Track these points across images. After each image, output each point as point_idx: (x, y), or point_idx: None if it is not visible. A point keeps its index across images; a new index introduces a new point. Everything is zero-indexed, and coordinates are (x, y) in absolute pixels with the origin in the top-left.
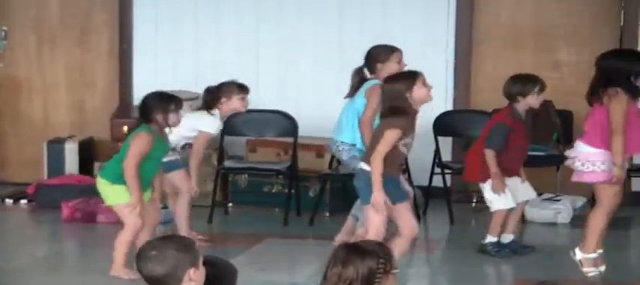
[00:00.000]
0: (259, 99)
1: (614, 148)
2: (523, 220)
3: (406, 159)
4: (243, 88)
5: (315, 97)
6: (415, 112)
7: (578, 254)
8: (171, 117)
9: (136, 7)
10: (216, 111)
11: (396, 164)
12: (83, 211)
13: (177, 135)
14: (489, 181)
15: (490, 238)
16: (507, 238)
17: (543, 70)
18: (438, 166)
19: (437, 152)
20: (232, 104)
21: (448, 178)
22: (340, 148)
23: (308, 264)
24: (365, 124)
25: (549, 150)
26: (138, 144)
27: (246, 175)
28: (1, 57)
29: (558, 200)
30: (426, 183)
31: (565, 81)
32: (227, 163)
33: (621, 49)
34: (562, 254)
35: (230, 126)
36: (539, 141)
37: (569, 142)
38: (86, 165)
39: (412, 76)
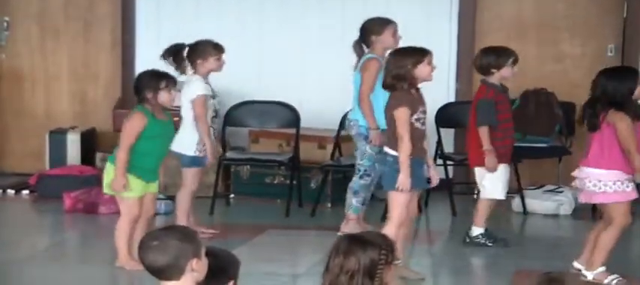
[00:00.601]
0: (261, 90)
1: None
2: (525, 211)
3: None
4: (218, 48)
5: (317, 88)
6: (414, 87)
7: (590, 275)
8: (162, 94)
9: None
10: (194, 75)
11: (416, 144)
12: (85, 202)
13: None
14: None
15: (478, 230)
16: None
17: (546, 62)
18: (439, 157)
19: (439, 143)
20: (209, 65)
21: (450, 169)
22: (351, 124)
23: (310, 255)
24: (363, 100)
25: (551, 141)
26: (128, 125)
27: (248, 166)
28: (4, 48)
29: (560, 192)
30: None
31: (568, 73)
32: (229, 154)
33: (617, 69)
34: (564, 246)
35: (232, 117)
36: (541, 132)
37: (571, 134)
38: (88, 156)
39: (422, 53)
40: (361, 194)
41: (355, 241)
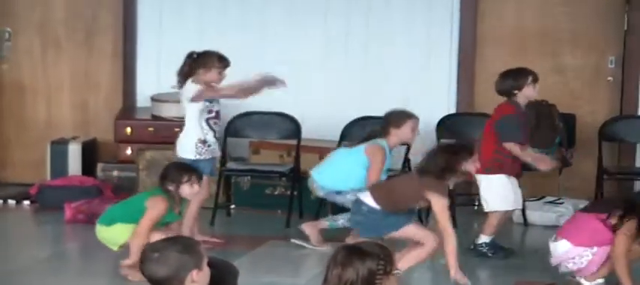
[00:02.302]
0: (262, 101)
1: (621, 272)
2: (525, 223)
3: (409, 161)
4: (223, 61)
5: (318, 99)
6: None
7: (586, 283)
8: (184, 188)
9: (139, 9)
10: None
11: (402, 209)
12: (86, 213)
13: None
14: (486, 177)
15: (484, 238)
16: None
17: (547, 73)
18: None
19: None
20: (210, 75)
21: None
22: (314, 186)
23: (310, 266)
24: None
25: (552, 153)
26: (155, 211)
27: (249, 177)
28: (6, 59)
29: (561, 203)
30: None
31: (569, 84)
32: (230, 165)
33: None
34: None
35: (233, 128)
36: (542, 144)
37: (572, 146)
38: (89, 166)
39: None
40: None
41: (353, 252)
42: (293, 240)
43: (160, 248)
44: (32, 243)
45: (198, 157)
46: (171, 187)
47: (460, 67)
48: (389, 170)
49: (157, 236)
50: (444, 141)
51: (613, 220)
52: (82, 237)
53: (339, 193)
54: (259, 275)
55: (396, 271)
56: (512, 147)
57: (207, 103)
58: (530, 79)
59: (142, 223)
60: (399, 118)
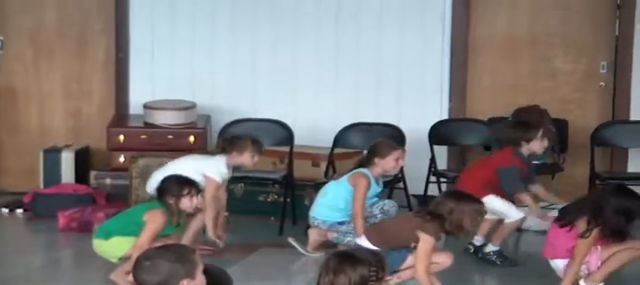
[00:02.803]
0: (255, 108)
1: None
2: (520, 228)
3: (402, 168)
4: (257, 145)
5: (310, 106)
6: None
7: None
8: (184, 201)
9: (132, 17)
10: (223, 158)
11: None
12: (79, 221)
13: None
14: (494, 197)
15: (492, 247)
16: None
17: (539, 78)
18: (433, 174)
19: (432, 161)
20: (243, 159)
21: (444, 186)
22: (316, 223)
23: (304, 273)
24: (357, 218)
25: (544, 159)
26: (155, 225)
27: (242, 184)
28: None
29: (554, 209)
30: (421, 191)
31: (561, 89)
32: None
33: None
34: None
35: (226, 135)
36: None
37: (564, 151)
38: (82, 174)
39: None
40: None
41: (345, 259)
42: (289, 239)
43: (151, 256)
44: (26, 251)
45: None
46: (171, 201)
47: (452, 73)
48: (376, 196)
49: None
50: (456, 190)
51: (579, 229)
52: (75, 245)
53: (341, 223)
54: (253, 282)
55: (388, 278)
56: (523, 197)
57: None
58: (540, 133)
59: (142, 237)
60: (384, 148)
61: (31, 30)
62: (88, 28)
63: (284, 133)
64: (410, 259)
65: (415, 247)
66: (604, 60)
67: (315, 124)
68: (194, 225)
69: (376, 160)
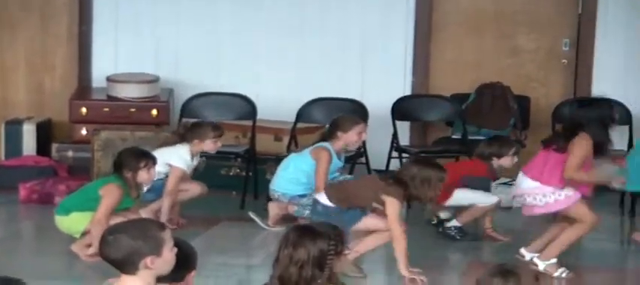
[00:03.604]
0: (218, 82)
1: (585, 178)
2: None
3: (364, 143)
4: (217, 130)
5: (273, 80)
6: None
7: (542, 264)
8: (141, 174)
9: None
10: (185, 146)
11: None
12: (40, 193)
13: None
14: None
15: (455, 222)
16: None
17: (502, 55)
18: (395, 150)
19: (395, 136)
20: (205, 146)
21: (405, 162)
22: (277, 196)
23: (264, 246)
24: (319, 190)
25: (507, 135)
26: (110, 199)
27: (204, 158)
28: None
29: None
30: (383, 167)
31: (524, 67)
32: None
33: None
34: (517, 238)
35: (189, 109)
36: (496, 126)
37: (526, 128)
38: (44, 146)
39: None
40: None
41: (305, 232)
42: (250, 213)
43: (115, 231)
44: None
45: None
46: (128, 175)
47: (416, 49)
48: (338, 171)
49: (115, 218)
50: (422, 156)
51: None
52: (36, 217)
53: (302, 196)
54: (213, 256)
55: (346, 252)
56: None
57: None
58: (512, 151)
59: (98, 212)
60: (346, 122)
61: None
62: (51, 2)
63: (247, 107)
64: (365, 222)
65: (373, 210)
66: (566, 37)
67: (278, 99)
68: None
69: (339, 134)
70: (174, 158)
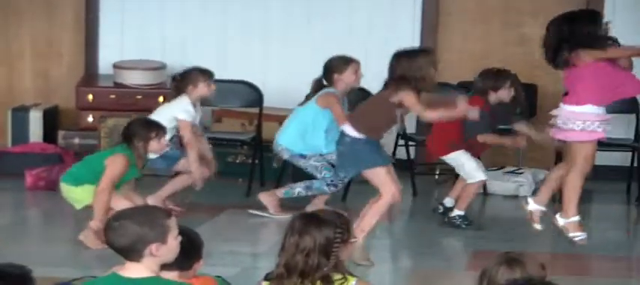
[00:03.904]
0: (225, 69)
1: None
2: (485, 192)
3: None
4: (206, 73)
5: (280, 67)
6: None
7: (561, 220)
8: (152, 144)
9: None
10: (183, 97)
11: (383, 131)
12: (47, 180)
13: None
14: (457, 153)
15: (458, 211)
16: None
17: (510, 43)
18: (401, 137)
19: (401, 124)
20: (199, 91)
21: (411, 150)
22: (280, 150)
23: (270, 234)
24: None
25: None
26: (114, 168)
27: (211, 145)
28: None
29: (520, 173)
30: (390, 154)
31: (531, 55)
32: None
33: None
34: (524, 226)
35: None
36: (503, 120)
37: (533, 116)
38: (50, 133)
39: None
40: (311, 193)
41: (311, 220)
42: (251, 211)
43: (121, 217)
44: None
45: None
46: (139, 144)
47: (423, 37)
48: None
49: (120, 203)
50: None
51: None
52: (42, 204)
53: (303, 156)
54: (219, 243)
55: (353, 240)
56: (486, 137)
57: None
58: (508, 83)
59: (102, 181)
60: (339, 63)
61: None
62: None
63: (253, 94)
64: (381, 173)
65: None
66: None
67: (284, 86)
68: (175, 182)
69: (335, 76)
70: (178, 111)
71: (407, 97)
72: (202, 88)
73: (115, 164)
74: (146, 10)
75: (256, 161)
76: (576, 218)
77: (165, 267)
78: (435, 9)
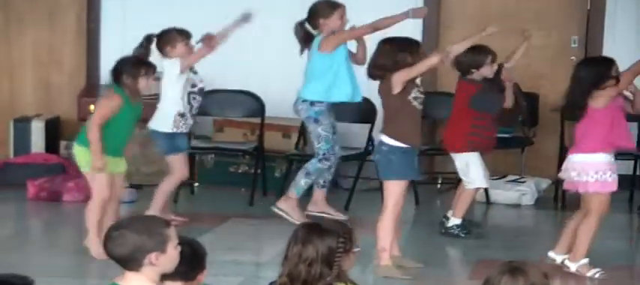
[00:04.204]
0: (226, 79)
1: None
2: (488, 201)
3: (372, 140)
4: (184, 33)
5: (281, 77)
6: None
7: (573, 265)
8: (141, 81)
9: None
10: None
11: (412, 130)
12: (49, 190)
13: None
14: (470, 154)
15: (455, 221)
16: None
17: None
18: None
19: None
20: (178, 51)
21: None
22: (299, 108)
23: (273, 244)
24: (360, 31)
25: (514, 132)
26: (104, 103)
27: (213, 155)
28: None
29: (523, 182)
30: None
31: (532, 64)
32: (194, 143)
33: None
34: (526, 235)
35: None
36: (504, 123)
37: (534, 125)
38: (52, 144)
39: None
40: (312, 176)
41: (314, 230)
42: (275, 209)
43: (120, 226)
44: None
45: (175, 130)
46: (128, 81)
47: (424, 46)
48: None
49: (103, 184)
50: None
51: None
52: (44, 214)
53: (316, 120)
54: (222, 253)
55: (355, 249)
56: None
57: (192, 75)
58: (489, 58)
59: (95, 115)
60: (325, 8)
61: None
62: None
63: (255, 104)
64: (394, 187)
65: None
66: (575, 35)
67: (285, 95)
68: (163, 188)
69: (321, 21)
70: (173, 69)
71: (398, 75)
72: (181, 48)
73: (105, 99)
74: (148, 20)
75: (258, 171)
76: (586, 260)
77: (169, 278)
78: (436, 18)
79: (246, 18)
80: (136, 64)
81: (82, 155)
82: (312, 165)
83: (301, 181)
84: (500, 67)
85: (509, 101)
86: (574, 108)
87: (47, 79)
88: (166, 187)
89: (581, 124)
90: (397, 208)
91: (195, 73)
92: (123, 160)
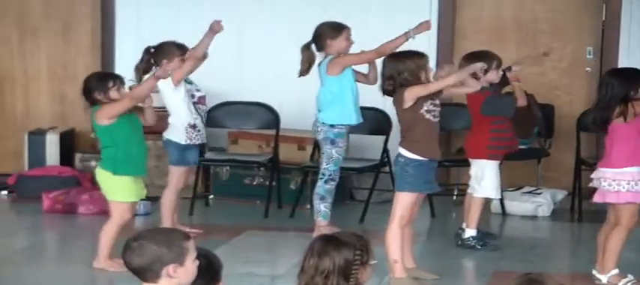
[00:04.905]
0: (241, 91)
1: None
2: (504, 213)
3: (388, 152)
4: (181, 48)
5: (296, 89)
6: None
7: (604, 278)
8: (112, 93)
9: (118, 0)
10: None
11: (429, 142)
12: (64, 203)
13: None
14: (488, 162)
15: (470, 232)
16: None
17: (526, 64)
18: None
19: None
20: (173, 65)
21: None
22: (318, 129)
23: (289, 256)
24: (385, 51)
25: (530, 143)
26: (106, 107)
27: (228, 167)
28: None
29: (539, 194)
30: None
31: (547, 75)
32: (208, 155)
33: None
34: (542, 247)
35: (212, 118)
36: (520, 134)
37: (550, 136)
38: (67, 156)
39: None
40: (328, 199)
41: (330, 242)
42: None
43: (140, 238)
44: (10, 233)
45: (188, 142)
46: (99, 96)
47: (438, 57)
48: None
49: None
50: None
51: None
52: (59, 227)
53: (333, 142)
54: (237, 265)
55: (372, 262)
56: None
57: (188, 86)
58: (494, 64)
59: (115, 105)
60: (332, 30)
61: (17, 12)
62: (73, 12)
63: (270, 116)
64: (405, 199)
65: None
66: (590, 45)
67: (300, 108)
68: (166, 203)
69: (328, 42)
70: (167, 83)
71: (410, 90)
72: (176, 63)
73: (102, 109)
74: (161, 33)
75: (273, 183)
76: (616, 270)
77: None
78: (451, 29)
79: (213, 28)
80: (101, 79)
81: (105, 181)
82: (321, 189)
83: (321, 207)
84: (508, 69)
85: (521, 100)
86: (603, 123)
87: (62, 92)
88: (167, 200)
89: (609, 138)
90: (404, 220)
91: (190, 83)
92: (143, 182)
